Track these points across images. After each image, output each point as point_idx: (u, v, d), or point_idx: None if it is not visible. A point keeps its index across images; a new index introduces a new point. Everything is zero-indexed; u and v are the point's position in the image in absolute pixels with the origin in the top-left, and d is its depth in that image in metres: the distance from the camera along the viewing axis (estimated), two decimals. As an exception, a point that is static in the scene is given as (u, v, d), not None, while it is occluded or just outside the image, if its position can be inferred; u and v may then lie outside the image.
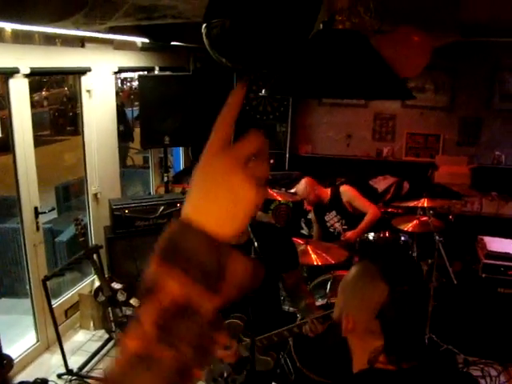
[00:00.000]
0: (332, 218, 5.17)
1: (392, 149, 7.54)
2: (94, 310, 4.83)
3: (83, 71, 4.79)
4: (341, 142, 7.71)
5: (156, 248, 0.70)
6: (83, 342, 4.80)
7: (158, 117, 5.44)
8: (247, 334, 2.61)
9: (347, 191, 5.20)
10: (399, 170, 7.17)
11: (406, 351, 1.47)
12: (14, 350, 4.25)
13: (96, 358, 4.48)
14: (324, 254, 4.17)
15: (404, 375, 1.47)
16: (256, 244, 2.24)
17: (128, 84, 13.42)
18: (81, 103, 4.92)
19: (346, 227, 5.12)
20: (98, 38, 4.57)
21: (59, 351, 4.19)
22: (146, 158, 7.41)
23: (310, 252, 4.19)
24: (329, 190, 5.23)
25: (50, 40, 4.57)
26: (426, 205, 4.62)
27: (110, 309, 4.47)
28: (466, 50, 6.47)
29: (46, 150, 11.41)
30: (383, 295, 1.43)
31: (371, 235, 4.60)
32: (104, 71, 5.10)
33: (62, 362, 4.19)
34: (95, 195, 5.13)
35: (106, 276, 4.63)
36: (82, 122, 4.97)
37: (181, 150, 7.37)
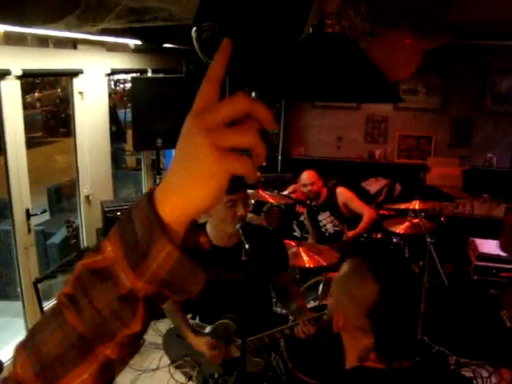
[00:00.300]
0: (325, 219, 5.21)
1: (384, 151, 7.57)
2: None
3: (75, 73, 4.78)
4: (333, 144, 7.74)
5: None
6: (75, 344, 4.78)
7: (150, 119, 5.44)
8: (239, 334, 2.62)
9: (343, 193, 5.23)
10: (391, 171, 7.20)
11: (397, 351, 1.47)
12: (5, 353, 4.23)
13: (88, 361, 4.46)
14: (316, 256, 4.18)
15: (394, 375, 1.46)
16: (247, 246, 2.24)
17: (121, 86, 13.40)
18: (73, 105, 4.90)
19: (337, 228, 5.14)
20: (90, 39, 4.56)
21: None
22: (139, 160, 7.40)
23: (302, 254, 4.20)
24: (325, 190, 5.26)
25: (42, 42, 4.56)
26: (417, 207, 4.64)
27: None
28: (457, 52, 6.51)
29: (38, 151, 11.39)
30: (374, 293, 1.42)
31: (363, 237, 4.62)
32: (96, 73, 5.09)
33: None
34: (87, 197, 5.11)
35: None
36: (74, 124, 4.95)
37: (173, 152, 7.36)
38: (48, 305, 4.71)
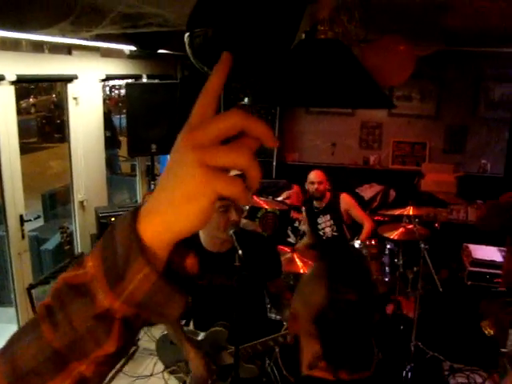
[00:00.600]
0: (325, 222, 5.20)
1: (379, 157, 7.59)
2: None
3: (70, 79, 4.78)
4: (328, 150, 7.75)
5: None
6: (68, 350, 4.76)
7: (145, 125, 5.44)
8: (232, 341, 2.61)
9: (347, 199, 5.24)
10: (386, 178, 7.21)
11: (345, 361, 1.40)
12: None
13: (81, 367, 4.44)
14: (310, 262, 4.17)
15: None
16: (240, 252, 2.24)
17: (116, 91, 13.41)
18: (67, 111, 4.89)
19: (336, 233, 5.14)
20: (85, 45, 4.56)
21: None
22: (134, 166, 7.39)
23: (297, 260, 4.20)
24: (328, 193, 5.25)
25: (36, 47, 4.56)
26: (411, 213, 4.64)
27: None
28: (451, 59, 6.54)
29: (33, 157, 11.38)
30: (323, 300, 1.38)
31: (357, 243, 4.62)
32: (91, 79, 5.09)
33: (46, 371, 4.15)
34: (81, 203, 5.10)
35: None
36: (69, 130, 4.94)
37: (168, 157, 7.36)
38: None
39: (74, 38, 3.95)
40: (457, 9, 3.42)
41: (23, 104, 14.10)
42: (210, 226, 2.59)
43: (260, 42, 1.43)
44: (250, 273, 2.50)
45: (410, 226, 4.62)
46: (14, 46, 4.17)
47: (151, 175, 6.01)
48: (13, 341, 0.68)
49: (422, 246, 4.34)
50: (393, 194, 7.02)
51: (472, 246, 5.52)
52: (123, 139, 8.72)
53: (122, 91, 11.01)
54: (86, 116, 5.05)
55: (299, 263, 4.16)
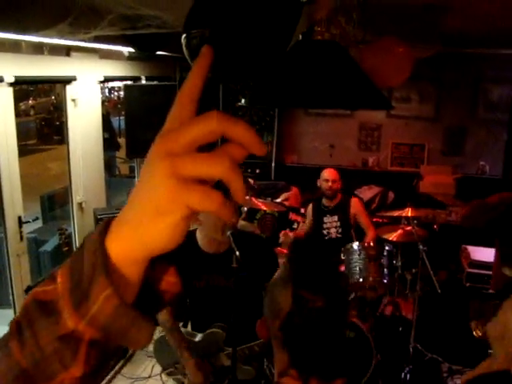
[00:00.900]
0: (331, 222, 5.16)
1: (377, 159, 7.59)
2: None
3: (68, 80, 4.78)
4: (327, 151, 7.75)
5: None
6: (67, 352, 4.75)
7: (143, 126, 5.43)
8: (229, 343, 2.61)
9: (358, 205, 5.22)
10: (385, 179, 7.22)
11: (316, 370, 1.34)
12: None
13: (79, 369, 4.43)
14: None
15: None
16: (237, 253, 2.24)
17: (115, 93, 13.41)
18: (66, 112, 4.89)
19: (340, 236, 5.11)
20: (83, 47, 4.56)
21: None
22: (133, 168, 7.40)
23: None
24: (340, 195, 5.24)
25: (35, 49, 4.55)
26: (409, 214, 4.64)
27: (93, 319, 4.43)
28: (450, 60, 6.54)
29: (32, 158, 11.38)
30: (288, 305, 1.32)
31: (355, 244, 4.61)
32: (89, 80, 5.09)
33: (44, 373, 4.15)
34: (80, 204, 5.10)
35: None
36: (67, 131, 4.94)
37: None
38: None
39: (73, 40, 3.95)
40: (455, 10, 3.42)
41: (22, 106, 14.11)
42: (206, 227, 2.59)
43: (256, 42, 1.43)
44: (248, 274, 2.50)
45: (409, 228, 4.62)
46: (12, 47, 4.17)
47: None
48: None
49: (421, 247, 4.34)
50: (391, 195, 7.02)
51: (470, 248, 5.52)
52: (122, 141, 8.73)
53: (122, 93, 11.03)
54: (84, 117, 5.05)
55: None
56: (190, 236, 2.73)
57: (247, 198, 5.06)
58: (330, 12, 1.62)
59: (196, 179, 0.52)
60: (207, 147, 0.54)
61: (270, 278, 2.80)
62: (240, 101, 7.03)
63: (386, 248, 4.81)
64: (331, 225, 5.17)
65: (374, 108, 1.64)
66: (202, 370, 2.68)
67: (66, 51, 4.72)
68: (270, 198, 6.25)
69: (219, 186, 0.54)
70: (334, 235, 5.15)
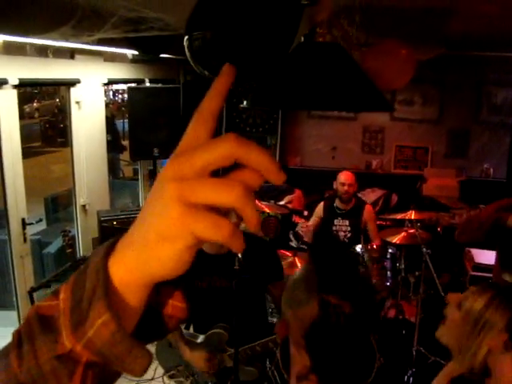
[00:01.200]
0: (341, 226, 5.10)
1: (381, 161, 7.59)
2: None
3: (73, 83, 4.80)
4: (329, 154, 7.76)
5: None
6: (70, 354, 4.76)
7: (147, 129, 5.45)
8: (231, 344, 2.61)
9: (370, 212, 5.18)
10: (388, 182, 7.21)
11: (338, 377, 1.30)
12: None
13: (82, 371, 4.44)
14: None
15: None
16: (239, 255, 2.25)
17: (120, 96, 13.44)
18: (70, 115, 4.91)
19: (347, 240, 5.05)
20: (87, 49, 4.58)
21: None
22: (136, 170, 7.41)
23: (298, 264, 4.20)
24: (354, 199, 5.21)
25: (39, 51, 4.57)
26: (413, 217, 4.64)
27: (96, 320, 4.43)
28: (453, 63, 6.54)
29: (36, 161, 11.41)
30: (314, 312, 1.25)
31: (359, 247, 4.61)
32: (94, 83, 5.11)
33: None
34: (83, 206, 5.11)
35: (94, 288, 4.60)
36: (71, 134, 4.96)
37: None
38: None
39: (76, 43, 3.96)
40: (458, 13, 3.42)
41: (27, 108, 14.15)
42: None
43: (258, 44, 1.44)
44: (250, 276, 2.51)
45: (412, 231, 4.61)
46: (17, 50, 4.19)
47: (153, 179, 6.00)
48: None
49: (424, 250, 4.34)
50: (395, 198, 7.02)
51: (474, 251, 5.50)
52: (127, 143, 8.74)
53: (126, 95, 11.04)
54: (88, 120, 5.06)
55: (301, 267, 4.16)
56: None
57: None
58: (332, 14, 1.62)
59: (206, 206, 0.49)
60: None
61: (273, 280, 2.81)
62: (243, 103, 7.02)
63: (390, 251, 4.81)
64: (341, 228, 5.12)
65: (375, 110, 1.64)
66: (209, 360, 2.69)
67: (71, 54, 4.73)
68: (273, 201, 6.25)
69: None
70: (341, 238, 5.10)
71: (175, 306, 0.62)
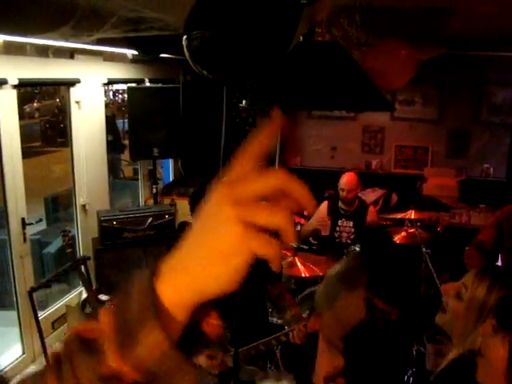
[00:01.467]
0: (345, 227, 5.04)
1: (381, 161, 7.58)
2: (82, 321, 4.78)
3: (72, 82, 4.79)
4: (329, 154, 7.76)
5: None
6: (70, 354, 4.75)
7: (147, 128, 5.46)
8: (233, 344, 2.61)
9: (374, 214, 5.12)
10: (388, 182, 7.21)
11: (368, 382, 1.22)
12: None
13: (82, 371, 4.43)
14: (312, 266, 4.17)
15: None
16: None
17: (120, 96, 13.43)
18: (69, 114, 4.91)
19: (349, 242, 4.99)
20: (87, 49, 4.58)
21: (45, 363, 4.15)
22: (136, 170, 7.41)
23: (298, 264, 4.19)
24: (357, 200, 5.15)
25: (39, 51, 4.57)
26: (413, 217, 4.64)
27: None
28: (453, 63, 6.53)
29: (37, 161, 11.40)
30: (359, 315, 1.18)
31: (358, 246, 4.60)
32: (93, 83, 5.11)
33: (47, 375, 4.15)
34: (83, 206, 5.11)
35: (94, 287, 4.61)
36: (71, 134, 4.96)
37: (170, 161, 7.37)
38: (43, 314, 4.70)
39: (76, 42, 3.96)
40: (459, 13, 3.42)
41: (27, 108, 14.14)
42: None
43: (257, 43, 1.44)
44: (249, 275, 2.50)
45: (412, 230, 4.61)
46: (16, 49, 4.18)
47: (153, 179, 6.01)
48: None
49: (424, 249, 4.34)
50: (395, 198, 7.02)
51: (474, 251, 5.49)
52: (127, 143, 8.73)
53: (126, 95, 11.02)
54: (88, 120, 5.06)
55: (301, 267, 4.16)
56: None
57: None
58: (331, 14, 1.62)
59: (258, 227, 0.56)
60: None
61: (272, 280, 2.81)
62: (242, 103, 7.03)
63: (390, 250, 4.80)
64: (344, 229, 5.06)
65: (374, 109, 1.64)
66: (213, 359, 2.69)
67: (70, 54, 4.73)
68: (273, 201, 6.23)
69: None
70: (344, 240, 5.03)
71: (211, 323, 0.65)
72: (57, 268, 5.14)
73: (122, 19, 3.24)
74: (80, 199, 5.09)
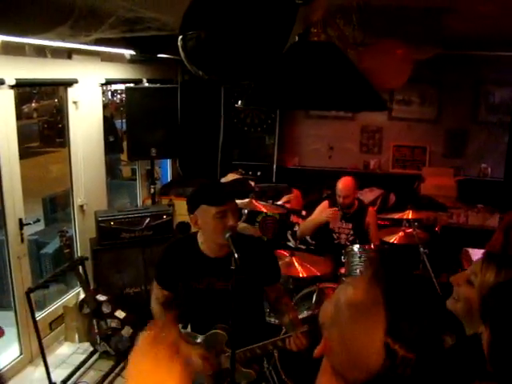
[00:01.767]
0: (344, 229, 5.00)
1: (379, 161, 7.59)
2: (79, 322, 4.79)
3: (70, 83, 4.79)
4: (327, 154, 7.76)
5: None
6: (68, 354, 4.76)
7: (144, 129, 5.45)
8: (230, 345, 2.60)
9: (374, 216, 5.04)
10: (386, 182, 7.21)
11: None
12: (-2, 363, 4.23)
13: (80, 371, 4.44)
14: (309, 266, 4.17)
15: None
16: (236, 255, 2.24)
17: (118, 96, 13.41)
18: (67, 115, 4.91)
19: (348, 243, 4.94)
20: (85, 49, 4.58)
21: (43, 364, 4.15)
22: (135, 170, 7.40)
23: (296, 264, 4.19)
24: (356, 202, 5.07)
25: (37, 51, 4.57)
26: (410, 217, 4.63)
27: (94, 321, 4.45)
28: (451, 62, 6.53)
29: (35, 161, 11.39)
30: (377, 359, 1.02)
31: (356, 247, 4.59)
32: (91, 83, 5.11)
33: (45, 376, 4.15)
34: (81, 207, 5.11)
35: (92, 288, 4.61)
36: (69, 134, 4.96)
37: (168, 161, 7.38)
38: (41, 315, 4.70)
39: (73, 43, 3.96)
40: (456, 13, 3.42)
41: (25, 109, 14.11)
42: (207, 231, 2.59)
43: (252, 44, 1.44)
44: (247, 277, 2.50)
45: (410, 230, 4.61)
46: (14, 50, 4.18)
47: (151, 179, 6.02)
48: None
49: (422, 249, 4.33)
50: (393, 198, 7.02)
51: (472, 250, 5.50)
52: (125, 143, 8.71)
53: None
54: (85, 120, 5.06)
55: (298, 267, 4.15)
56: (191, 239, 2.73)
57: (248, 200, 5.05)
58: (327, 14, 1.62)
59: None
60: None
61: (270, 281, 2.80)
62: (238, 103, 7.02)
63: (387, 250, 4.79)
64: (343, 231, 5.02)
65: (368, 109, 1.63)
66: (207, 360, 2.69)
67: (68, 54, 4.73)
68: (271, 201, 6.24)
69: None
70: (343, 241, 5.00)
71: None
72: (54, 268, 5.14)
73: (120, 19, 3.24)
74: (78, 199, 5.09)
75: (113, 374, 4.43)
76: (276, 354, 3.74)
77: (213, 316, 2.76)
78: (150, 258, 4.91)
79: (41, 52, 4.59)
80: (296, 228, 5.94)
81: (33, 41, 3.54)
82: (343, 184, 4.88)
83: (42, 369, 4.23)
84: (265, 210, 5.25)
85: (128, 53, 5.26)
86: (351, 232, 4.96)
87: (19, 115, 4.27)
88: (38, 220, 4.93)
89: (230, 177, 6.90)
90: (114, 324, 4.47)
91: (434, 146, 7.40)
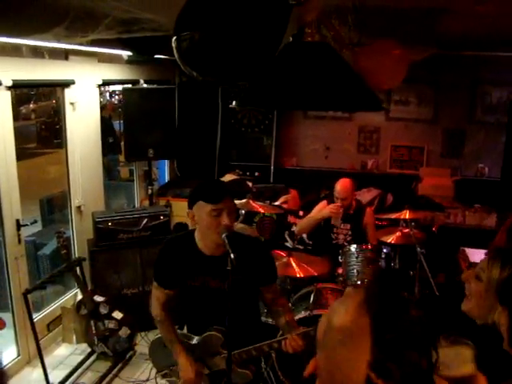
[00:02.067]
0: (342, 229, 4.97)
1: (376, 161, 7.59)
2: (77, 323, 4.79)
3: (67, 84, 4.79)
4: (325, 154, 7.76)
5: None
6: (65, 355, 4.76)
7: (142, 129, 5.45)
8: (226, 346, 2.60)
9: (371, 216, 5.02)
10: (384, 182, 7.22)
11: None
12: (-6, 364, 4.21)
13: (78, 372, 4.44)
14: (306, 266, 4.16)
15: None
16: (232, 255, 2.24)
17: (116, 97, 13.40)
18: (64, 116, 4.91)
19: (346, 244, 4.93)
20: (82, 50, 4.58)
21: (40, 365, 4.15)
22: (132, 171, 7.40)
23: (293, 264, 4.19)
24: (354, 202, 5.04)
25: (34, 52, 4.57)
26: (407, 217, 4.64)
27: (92, 322, 4.44)
28: (448, 63, 6.55)
29: (33, 162, 11.38)
30: (360, 375, 1.04)
31: (353, 246, 4.58)
32: (88, 84, 5.11)
33: (43, 377, 4.15)
34: (78, 208, 5.11)
35: (89, 289, 4.61)
36: (66, 135, 4.96)
37: (166, 162, 7.37)
38: (38, 316, 4.70)
39: (70, 44, 3.96)
40: (452, 13, 3.43)
41: (23, 110, 14.10)
42: (203, 228, 2.59)
43: (246, 44, 1.44)
44: (243, 277, 2.49)
45: (407, 230, 4.61)
46: (11, 51, 4.18)
47: (148, 180, 6.01)
48: None
49: (419, 249, 4.34)
50: (390, 198, 7.02)
51: (469, 250, 5.50)
52: (123, 144, 8.71)
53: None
54: (83, 121, 5.07)
55: (296, 268, 4.15)
56: (189, 236, 2.72)
57: (245, 200, 5.05)
58: (321, 14, 1.62)
59: None
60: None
61: (266, 282, 2.80)
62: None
63: (384, 250, 4.79)
64: (341, 231, 5.00)
65: (364, 109, 1.64)
66: (193, 366, 2.69)
67: (65, 55, 4.73)
68: (268, 201, 6.24)
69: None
70: (341, 242, 5.00)
71: None
72: (52, 269, 5.14)
73: (116, 20, 3.24)
74: (75, 200, 5.09)
75: (110, 375, 4.43)
76: (274, 354, 3.75)
77: (208, 315, 2.76)
78: (148, 258, 4.91)
79: (38, 53, 4.58)
80: (293, 228, 5.93)
81: (30, 42, 3.55)
82: (341, 186, 4.86)
83: (39, 370, 4.23)
84: (262, 211, 5.25)
85: (125, 54, 5.26)
86: (349, 232, 4.96)
87: (17, 116, 4.27)
88: (36, 221, 4.92)
89: (228, 177, 6.89)
90: (111, 325, 4.47)
91: (432, 146, 7.41)
